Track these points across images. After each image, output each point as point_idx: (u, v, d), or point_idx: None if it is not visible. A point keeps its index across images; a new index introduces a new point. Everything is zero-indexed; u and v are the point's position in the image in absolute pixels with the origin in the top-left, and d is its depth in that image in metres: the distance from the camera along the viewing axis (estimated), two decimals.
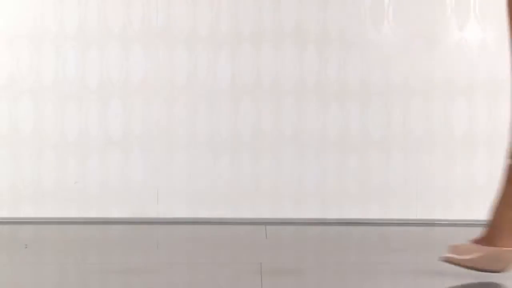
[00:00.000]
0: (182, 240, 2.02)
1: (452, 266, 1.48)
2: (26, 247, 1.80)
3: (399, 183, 2.33)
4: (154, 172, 2.31)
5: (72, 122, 2.30)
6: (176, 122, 2.32)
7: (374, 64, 2.33)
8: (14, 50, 2.30)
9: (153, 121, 2.31)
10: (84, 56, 2.30)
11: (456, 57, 2.34)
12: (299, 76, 2.33)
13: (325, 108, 2.32)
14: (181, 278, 1.43)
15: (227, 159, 2.31)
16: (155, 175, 2.31)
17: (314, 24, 2.32)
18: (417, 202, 2.34)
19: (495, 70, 2.34)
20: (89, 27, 2.30)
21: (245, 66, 2.31)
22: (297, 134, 2.32)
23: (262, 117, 2.32)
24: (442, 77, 2.34)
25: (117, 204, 2.31)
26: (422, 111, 2.34)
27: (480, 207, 2.32)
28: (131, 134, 2.31)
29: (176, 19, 2.31)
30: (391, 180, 2.33)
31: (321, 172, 2.32)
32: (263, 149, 2.32)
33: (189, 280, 1.42)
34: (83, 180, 2.30)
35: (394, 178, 2.33)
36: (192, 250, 1.80)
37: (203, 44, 2.32)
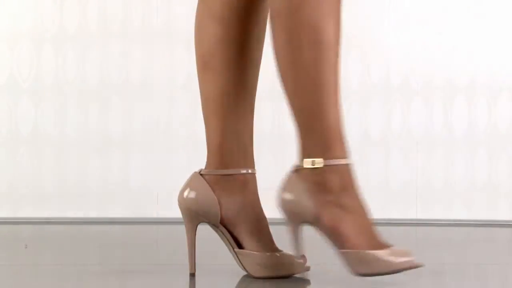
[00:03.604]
0: (182, 240, 2.02)
1: (453, 266, 1.48)
2: (26, 247, 1.80)
3: (399, 183, 2.33)
4: (154, 172, 2.31)
5: (72, 122, 2.30)
6: (176, 122, 2.32)
7: (374, 64, 2.33)
8: (14, 50, 2.30)
9: (153, 121, 2.32)
10: (84, 56, 2.30)
11: (456, 56, 2.35)
12: None
13: None
14: (181, 278, 1.43)
15: None
16: (155, 175, 2.31)
17: None
18: (417, 202, 2.34)
19: (495, 70, 2.34)
20: (89, 27, 2.30)
21: None
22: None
23: (262, 117, 2.32)
24: (442, 77, 2.35)
25: (117, 204, 2.31)
26: (422, 111, 2.34)
27: (480, 207, 2.33)
28: (131, 134, 2.32)
29: (176, 19, 2.31)
30: (391, 180, 2.33)
31: None
32: (263, 149, 2.32)
33: (188, 281, 1.42)
34: (83, 180, 2.30)
35: (394, 178, 2.34)
36: None
37: None
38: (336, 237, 1.32)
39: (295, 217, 1.35)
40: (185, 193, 1.44)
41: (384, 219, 2.30)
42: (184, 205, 1.43)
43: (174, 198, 2.32)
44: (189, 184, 1.45)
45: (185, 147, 2.32)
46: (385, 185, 2.32)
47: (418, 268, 1.40)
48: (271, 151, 2.32)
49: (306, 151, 1.36)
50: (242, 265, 1.40)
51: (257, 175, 2.34)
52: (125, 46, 2.31)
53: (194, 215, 1.41)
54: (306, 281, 1.40)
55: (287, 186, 1.37)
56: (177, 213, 2.32)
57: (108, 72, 2.31)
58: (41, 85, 2.30)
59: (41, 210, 2.29)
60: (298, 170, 1.36)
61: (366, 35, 2.32)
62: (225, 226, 1.41)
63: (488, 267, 1.60)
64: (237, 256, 1.40)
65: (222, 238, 1.42)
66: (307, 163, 1.34)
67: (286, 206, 1.36)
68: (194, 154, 2.32)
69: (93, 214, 2.29)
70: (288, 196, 1.36)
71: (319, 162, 1.34)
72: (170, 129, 2.32)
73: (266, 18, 1.45)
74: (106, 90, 2.31)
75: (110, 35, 2.31)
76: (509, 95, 2.34)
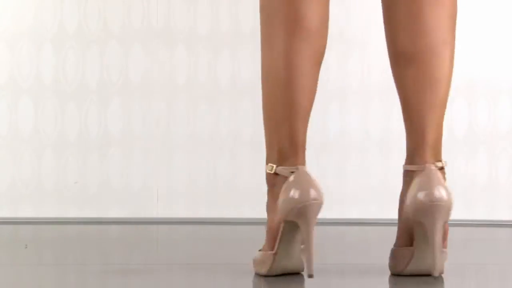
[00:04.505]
0: (182, 240, 2.02)
1: (452, 266, 1.49)
2: (26, 247, 1.80)
3: (399, 183, 2.33)
4: (154, 172, 2.31)
5: (72, 122, 2.30)
6: (176, 122, 2.32)
7: (374, 64, 2.33)
8: (14, 50, 2.30)
9: (153, 121, 2.32)
10: (84, 56, 2.30)
11: (456, 57, 2.34)
12: None
13: (325, 108, 2.32)
14: (181, 278, 1.43)
15: (227, 159, 2.31)
16: (155, 175, 2.31)
17: None
18: None
19: (495, 70, 2.34)
20: (89, 27, 2.30)
21: (245, 66, 2.31)
22: None
23: (262, 117, 2.32)
24: None
25: (117, 204, 2.31)
26: None
27: (480, 207, 2.32)
28: (131, 134, 2.32)
29: (176, 19, 2.31)
30: (391, 180, 2.33)
31: (321, 172, 2.32)
32: (263, 149, 2.32)
33: (188, 280, 1.42)
34: (83, 180, 2.30)
35: (394, 178, 2.33)
36: (192, 250, 1.81)
37: (203, 44, 2.32)
38: (444, 237, 1.45)
39: (447, 214, 1.44)
40: (312, 193, 1.38)
41: (385, 219, 2.30)
42: (317, 204, 1.39)
43: (174, 197, 2.33)
44: (313, 183, 1.39)
45: (185, 147, 2.32)
46: (385, 185, 2.32)
47: None
48: None
49: (435, 153, 1.52)
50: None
51: (257, 175, 2.35)
52: (125, 46, 2.31)
53: (316, 214, 1.39)
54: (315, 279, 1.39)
55: (443, 182, 1.46)
56: (177, 213, 2.33)
57: (108, 72, 2.31)
58: (41, 85, 2.30)
59: (41, 210, 2.29)
60: (441, 169, 1.49)
61: (367, 35, 2.32)
62: None
63: (488, 267, 1.60)
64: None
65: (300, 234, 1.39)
66: (440, 164, 1.49)
67: (448, 202, 1.43)
68: (194, 154, 2.32)
69: (93, 214, 2.29)
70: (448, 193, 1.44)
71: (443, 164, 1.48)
72: (170, 129, 2.32)
73: None
74: (106, 90, 2.31)
75: (110, 35, 2.31)
76: (509, 95, 2.34)
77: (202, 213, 2.30)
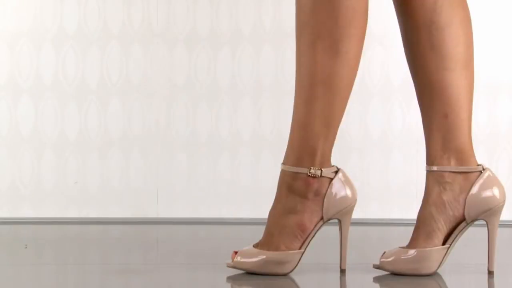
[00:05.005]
0: (182, 240, 2.02)
1: (454, 265, 1.49)
2: (26, 247, 1.80)
3: (399, 183, 2.33)
4: (154, 172, 2.31)
5: (72, 122, 2.30)
6: (176, 122, 2.32)
7: (374, 64, 2.33)
8: (14, 50, 2.30)
9: (153, 121, 2.32)
10: (84, 56, 2.30)
11: None
12: None
13: None
14: (181, 278, 1.43)
15: (227, 159, 2.31)
16: (155, 175, 2.31)
17: None
18: (417, 202, 2.34)
19: (495, 70, 2.34)
20: (89, 27, 2.30)
21: (245, 66, 2.31)
22: None
23: (262, 117, 2.32)
24: None
25: (117, 204, 2.31)
26: None
27: None
28: (131, 134, 2.32)
29: (176, 19, 2.31)
30: (391, 180, 2.33)
31: None
32: (263, 149, 2.32)
33: (188, 280, 1.42)
34: (83, 180, 2.30)
35: (394, 178, 2.33)
36: (192, 250, 1.81)
37: (203, 44, 2.32)
38: None
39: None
40: (350, 192, 1.48)
41: (384, 219, 2.30)
42: (354, 202, 1.47)
43: (174, 198, 2.33)
44: (350, 183, 1.49)
45: (185, 147, 2.32)
46: (385, 185, 2.32)
47: None
48: (271, 151, 2.32)
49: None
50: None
51: (257, 175, 2.35)
52: (125, 46, 2.31)
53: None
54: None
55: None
56: (177, 213, 2.33)
57: (108, 72, 2.31)
58: (41, 85, 2.30)
59: (41, 210, 2.29)
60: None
61: (366, 34, 2.32)
62: None
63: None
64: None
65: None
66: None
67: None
68: (194, 154, 2.32)
69: (93, 214, 2.29)
70: None
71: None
72: (170, 129, 2.32)
73: None
74: (106, 90, 2.31)
75: (110, 35, 2.31)
76: (509, 95, 2.34)
77: (202, 213, 2.30)
